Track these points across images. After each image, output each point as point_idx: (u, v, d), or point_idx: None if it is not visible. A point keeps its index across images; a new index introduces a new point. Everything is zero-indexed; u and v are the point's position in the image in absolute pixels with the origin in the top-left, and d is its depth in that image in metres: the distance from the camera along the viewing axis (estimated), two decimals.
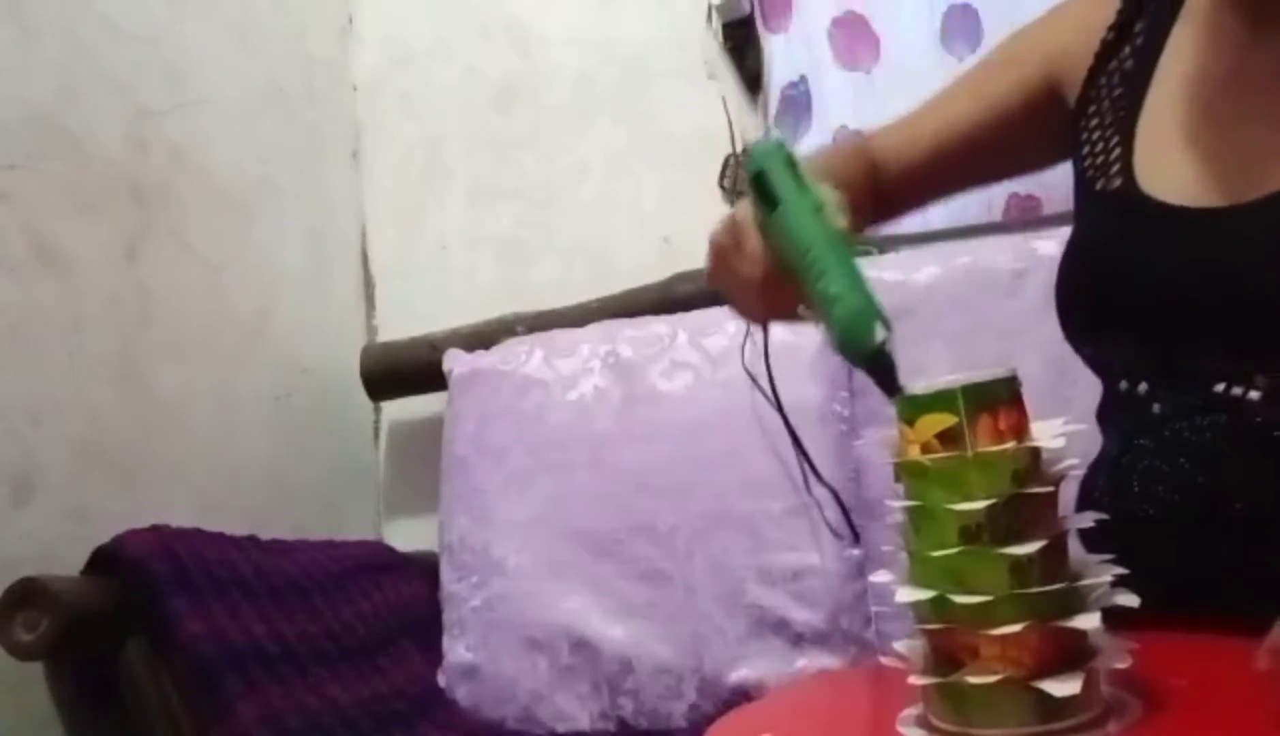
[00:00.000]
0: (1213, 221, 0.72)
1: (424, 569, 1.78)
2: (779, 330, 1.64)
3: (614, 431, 1.64)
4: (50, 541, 1.33)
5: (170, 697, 1.26)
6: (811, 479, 1.51)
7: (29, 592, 1.19)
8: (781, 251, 0.70)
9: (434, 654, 1.66)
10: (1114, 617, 0.61)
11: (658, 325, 1.71)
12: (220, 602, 1.33)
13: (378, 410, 2.08)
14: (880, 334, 0.65)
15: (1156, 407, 0.77)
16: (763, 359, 1.57)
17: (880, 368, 0.65)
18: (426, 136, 2.10)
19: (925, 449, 0.61)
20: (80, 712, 1.31)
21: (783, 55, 1.89)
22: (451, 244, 2.08)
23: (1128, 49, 0.84)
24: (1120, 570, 0.61)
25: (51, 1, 1.45)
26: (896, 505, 0.63)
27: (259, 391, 1.78)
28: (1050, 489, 0.61)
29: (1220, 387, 0.72)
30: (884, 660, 0.66)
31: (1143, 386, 0.78)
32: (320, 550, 1.61)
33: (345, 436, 2.02)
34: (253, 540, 1.48)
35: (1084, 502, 0.83)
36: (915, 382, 0.62)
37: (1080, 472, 0.64)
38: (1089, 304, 0.82)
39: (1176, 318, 0.74)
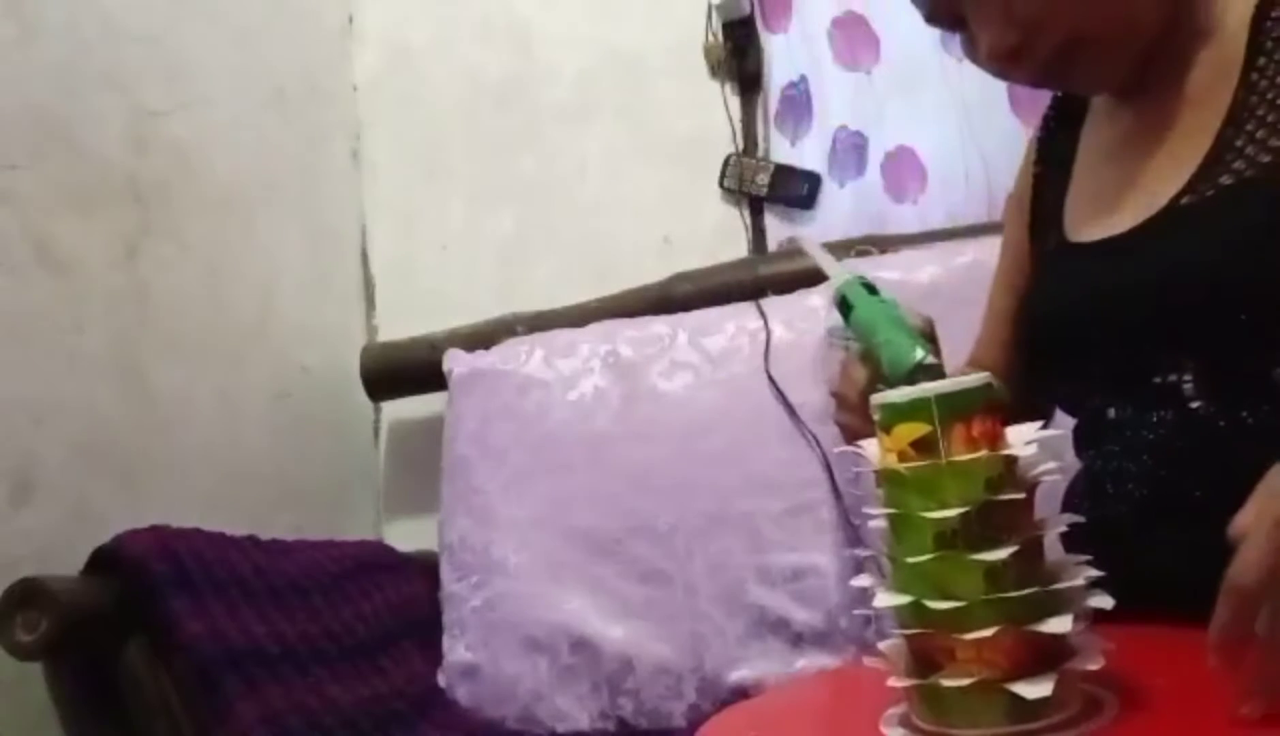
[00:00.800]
0: (1121, 242, 0.86)
1: (424, 569, 1.78)
2: (780, 331, 1.64)
3: (614, 431, 1.64)
4: (50, 541, 1.33)
5: (170, 697, 1.26)
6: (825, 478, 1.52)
7: (29, 592, 1.19)
8: (861, 342, 0.85)
9: (434, 654, 1.66)
10: (1094, 617, 0.63)
11: (658, 325, 1.71)
12: (220, 602, 1.33)
13: (378, 410, 2.08)
14: (919, 353, 0.77)
15: (1113, 412, 0.87)
16: (768, 361, 1.58)
17: (926, 377, 0.75)
18: (426, 136, 2.11)
19: (901, 456, 0.62)
20: (80, 712, 1.31)
21: (783, 55, 1.89)
22: (451, 244, 2.08)
23: (1052, 160, 1.03)
24: (1096, 572, 0.63)
25: (52, 1, 1.46)
26: (876, 511, 0.64)
27: (259, 391, 1.78)
28: (1023, 495, 0.62)
29: (1158, 379, 0.81)
30: (866, 661, 0.67)
31: (1101, 399, 0.88)
32: (320, 550, 1.61)
33: (345, 436, 2.02)
34: (253, 540, 1.48)
35: (1065, 512, 0.87)
36: (891, 392, 0.64)
37: (1057, 478, 0.67)
38: (1042, 345, 0.95)
39: (1110, 328, 0.85)
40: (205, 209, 1.70)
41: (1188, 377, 0.80)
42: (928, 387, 0.62)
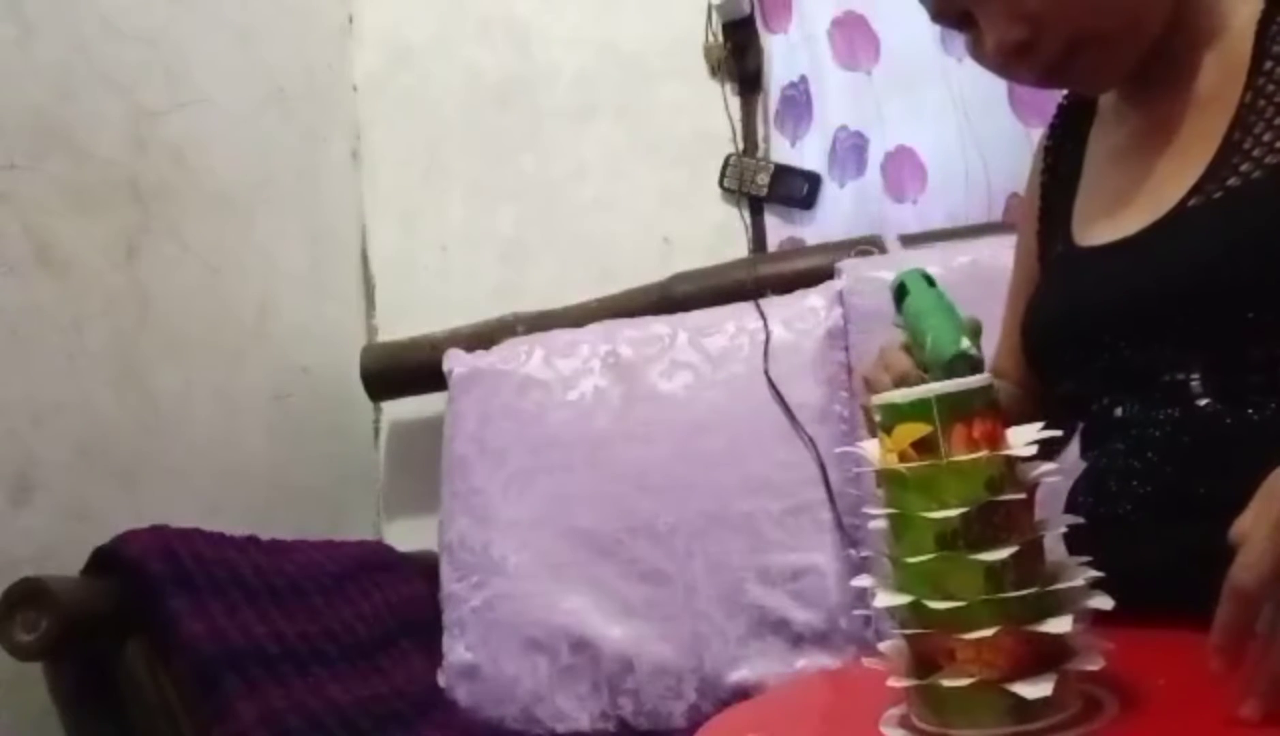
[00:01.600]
0: (1129, 245, 0.87)
1: (424, 569, 1.78)
2: (779, 331, 1.64)
3: (614, 431, 1.64)
4: (50, 541, 1.33)
5: (170, 697, 1.26)
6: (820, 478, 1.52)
7: (29, 592, 1.19)
8: (909, 329, 0.85)
9: (434, 654, 1.66)
10: (1095, 617, 0.63)
11: (658, 325, 1.71)
12: (220, 602, 1.33)
13: (378, 410, 2.08)
14: (965, 343, 0.77)
15: (1119, 412, 0.87)
16: (767, 361, 1.58)
17: (964, 367, 0.75)
18: (426, 136, 2.11)
19: (902, 457, 0.62)
20: (80, 712, 1.31)
21: (783, 55, 1.89)
22: (451, 244, 2.08)
23: (1060, 167, 1.04)
24: (1096, 573, 0.63)
25: (51, 1, 1.45)
26: (876, 512, 0.64)
27: (259, 391, 1.78)
28: (1023, 495, 0.62)
29: (1167, 378, 0.82)
30: (865, 662, 0.67)
31: (1108, 399, 0.89)
32: (320, 550, 1.61)
33: (345, 436, 2.02)
34: (253, 540, 1.48)
35: (1068, 512, 0.88)
36: (894, 391, 0.64)
37: (1058, 480, 0.67)
38: (1048, 345, 0.96)
39: (1118, 328, 0.86)
40: (205, 209, 1.70)
41: (1195, 376, 0.81)
42: (929, 388, 0.62)
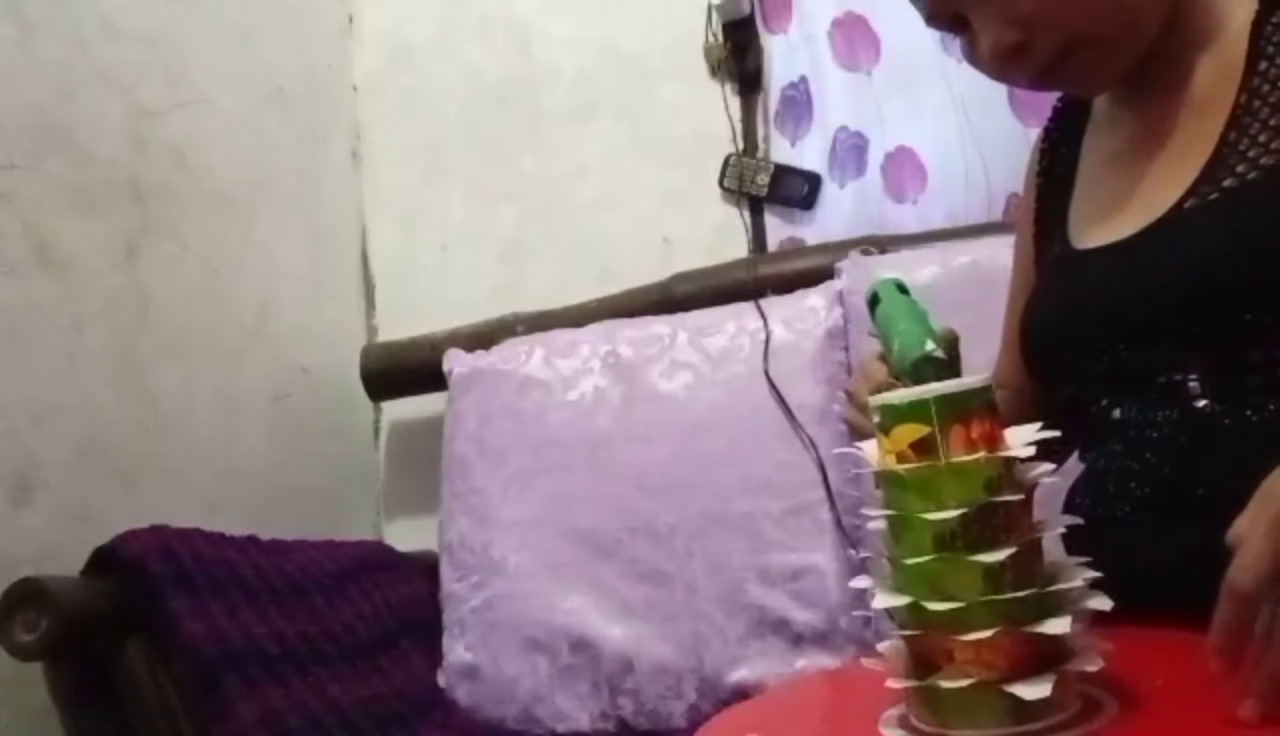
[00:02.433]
0: (1126, 246, 0.87)
1: (424, 569, 1.78)
2: (779, 331, 1.64)
3: (614, 431, 1.64)
4: (50, 541, 1.33)
5: (170, 697, 1.26)
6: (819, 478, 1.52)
7: (29, 592, 1.19)
8: (881, 336, 0.87)
9: (434, 654, 1.66)
10: (1094, 617, 0.63)
11: (658, 325, 1.71)
12: (220, 602, 1.33)
13: (378, 410, 2.08)
14: (929, 346, 0.79)
15: (1117, 413, 0.87)
16: (767, 361, 1.58)
17: (929, 370, 0.77)
18: (426, 136, 2.10)
19: (900, 458, 0.62)
20: (80, 712, 1.31)
21: (783, 55, 1.89)
22: (451, 244, 2.08)
23: (1055, 169, 1.04)
24: (1095, 574, 0.63)
25: (51, 1, 1.46)
26: (875, 513, 0.64)
27: (259, 391, 1.78)
28: (1021, 496, 0.62)
29: (1164, 379, 0.83)
30: (865, 662, 0.67)
31: (1107, 400, 0.89)
32: (320, 550, 1.60)
33: (345, 436, 2.02)
34: (253, 540, 1.48)
35: (1067, 513, 0.88)
36: (890, 394, 0.65)
37: (1056, 480, 0.67)
38: (1045, 348, 0.96)
39: (1116, 330, 0.86)
40: (205, 209, 1.70)
41: (1193, 377, 0.81)
42: (928, 389, 0.62)
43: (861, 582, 0.68)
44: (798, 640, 1.50)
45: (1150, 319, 0.83)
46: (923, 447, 0.61)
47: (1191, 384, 0.81)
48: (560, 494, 1.64)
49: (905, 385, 0.79)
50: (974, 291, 1.53)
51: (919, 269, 1.58)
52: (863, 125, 1.83)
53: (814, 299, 1.66)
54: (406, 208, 2.11)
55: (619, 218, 1.97)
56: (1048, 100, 1.08)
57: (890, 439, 0.63)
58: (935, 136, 1.77)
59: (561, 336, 1.77)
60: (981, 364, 1.03)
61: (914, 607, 0.62)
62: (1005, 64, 0.89)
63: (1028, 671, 0.59)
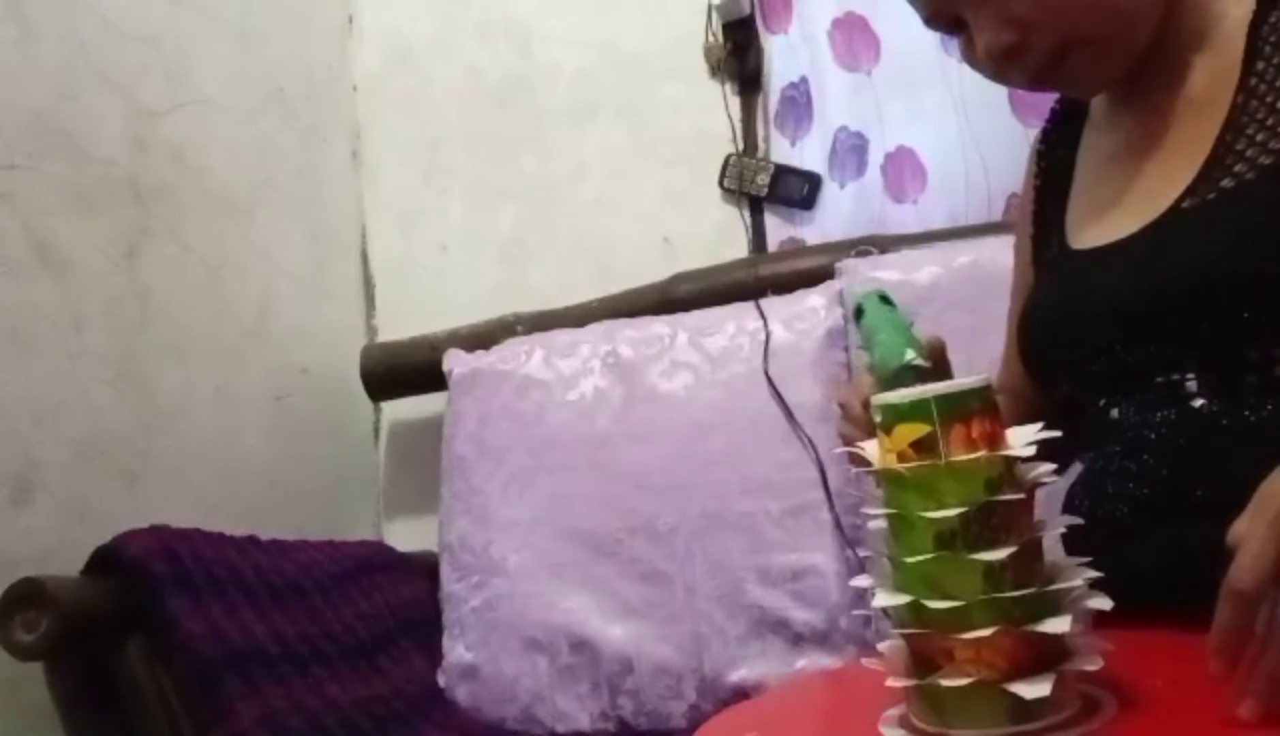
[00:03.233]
0: (1124, 247, 0.87)
1: (424, 569, 1.78)
2: (779, 331, 1.64)
3: (614, 431, 1.64)
4: (50, 541, 1.33)
5: (170, 697, 1.26)
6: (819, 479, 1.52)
7: (29, 592, 1.19)
8: (866, 347, 0.88)
9: (434, 654, 1.66)
10: (1094, 617, 0.63)
11: (658, 325, 1.71)
12: (220, 603, 1.33)
13: (378, 410, 2.08)
14: (909, 354, 0.80)
15: (1115, 413, 0.88)
16: (767, 362, 1.58)
17: (910, 378, 0.78)
18: (426, 136, 2.10)
19: (901, 457, 0.62)
20: (80, 712, 1.31)
21: (783, 55, 1.89)
22: (451, 244, 2.08)
23: (1053, 171, 1.04)
24: (1095, 573, 0.63)
25: (51, 1, 1.45)
26: (875, 512, 0.65)
27: (259, 391, 1.78)
28: (1022, 495, 0.62)
29: (1162, 379, 0.83)
30: (865, 662, 0.67)
31: (1105, 401, 0.89)
32: (320, 550, 1.60)
33: (345, 436, 2.02)
34: (253, 540, 1.48)
35: (1066, 513, 0.88)
36: (891, 393, 0.64)
37: (1056, 479, 0.67)
38: (1044, 349, 0.96)
39: (1114, 331, 0.86)
40: (205, 209, 1.70)
41: (1190, 376, 0.81)
42: (929, 388, 0.62)
43: (862, 582, 0.68)
44: (798, 640, 1.50)
45: (1148, 319, 0.83)
46: (923, 447, 0.62)
47: (1189, 384, 0.81)
48: (560, 494, 1.64)
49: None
50: (974, 291, 1.53)
51: (919, 269, 1.58)
52: (863, 125, 1.83)
53: (814, 299, 1.66)
54: (406, 208, 2.11)
55: (619, 218, 1.97)
56: (1048, 100, 1.08)
57: (891, 438, 0.63)
58: (935, 136, 1.77)
59: (561, 336, 1.77)
60: (982, 363, 1.02)
61: (914, 607, 0.62)
62: (1002, 65, 0.89)
63: (1028, 670, 0.59)
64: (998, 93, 1.70)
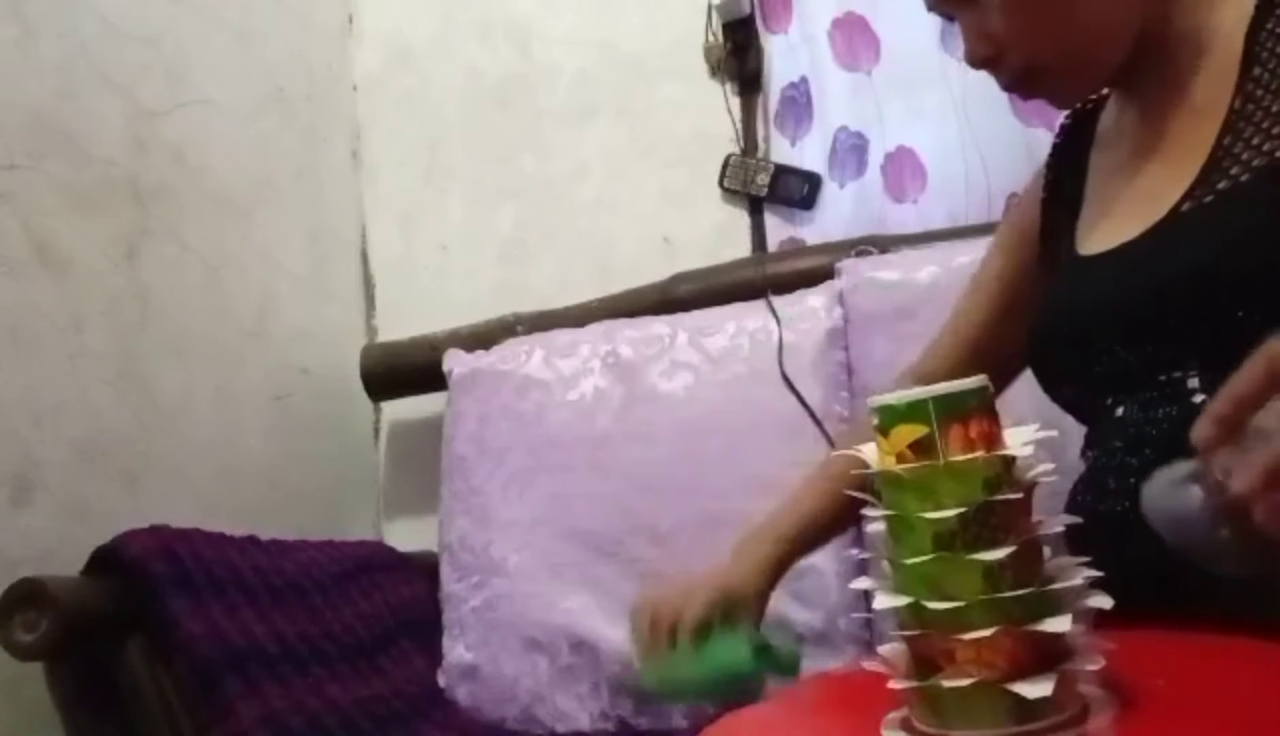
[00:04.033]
0: (1127, 250, 0.89)
1: (424, 569, 1.78)
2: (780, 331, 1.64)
3: (614, 432, 1.64)
4: (50, 541, 1.33)
5: (170, 697, 1.26)
6: None
7: (29, 592, 1.19)
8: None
9: (434, 654, 1.66)
10: (1095, 616, 0.63)
11: (658, 325, 1.71)
12: (220, 603, 1.33)
13: (378, 410, 2.08)
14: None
15: (1120, 411, 0.89)
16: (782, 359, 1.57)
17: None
18: (426, 136, 2.11)
19: (899, 459, 0.62)
20: (80, 712, 1.31)
21: (783, 55, 1.89)
22: (451, 244, 2.08)
23: (1062, 187, 1.06)
24: (1095, 572, 0.63)
25: (51, 1, 1.45)
26: (874, 513, 0.65)
27: (259, 392, 1.78)
28: (1021, 495, 0.62)
29: (1163, 377, 0.84)
30: (865, 664, 0.67)
31: (1110, 400, 0.90)
32: (320, 550, 1.61)
33: (345, 436, 2.02)
34: (252, 540, 1.48)
35: (1068, 511, 0.89)
36: (889, 393, 0.64)
37: (1056, 479, 0.67)
38: (1049, 351, 0.98)
39: (1117, 331, 0.88)
40: (205, 209, 1.70)
41: (1193, 373, 0.83)
42: (928, 389, 0.62)
43: (862, 583, 0.69)
44: (798, 640, 1.50)
45: (1149, 319, 0.85)
46: (921, 448, 0.62)
47: (1190, 381, 0.83)
48: (560, 494, 1.64)
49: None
50: None
51: (919, 269, 1.58)
52: (863, 125, 1.83)
53: (814, 299, 1.66)
54: (406, 208, 2.11)
55: (619, 218, 1.97)
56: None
57: (889, 440, 0.63)
58: (935, 136, 1.77)
59: (561, 336, 1.77)
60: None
61: (914, 608, 0.62)
62: (982, 68, 0.95)
63: (1029, 670, 0.59)
64: (998, 93, 1.67)
